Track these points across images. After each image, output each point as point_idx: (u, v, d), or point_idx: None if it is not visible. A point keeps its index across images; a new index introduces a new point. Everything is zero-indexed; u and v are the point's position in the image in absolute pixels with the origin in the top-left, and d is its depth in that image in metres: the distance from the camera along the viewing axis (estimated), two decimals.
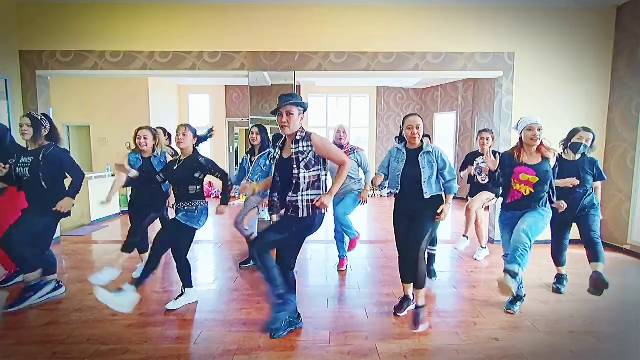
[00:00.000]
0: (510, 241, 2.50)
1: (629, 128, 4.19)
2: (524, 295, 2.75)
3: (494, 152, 3.57)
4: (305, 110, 2.20)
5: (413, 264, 2.41)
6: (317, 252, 4.26)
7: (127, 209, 6.61)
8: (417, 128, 2.41)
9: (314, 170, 2.13)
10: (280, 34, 4.37)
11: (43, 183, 2.64)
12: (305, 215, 2.11)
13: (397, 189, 2.51)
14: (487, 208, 4.17)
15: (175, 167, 2.62)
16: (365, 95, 9.24)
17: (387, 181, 2.62)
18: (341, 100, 9.39)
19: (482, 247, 3.96)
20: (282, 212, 2.21)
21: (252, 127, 3.55)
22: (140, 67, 4.37)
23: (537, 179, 2.47)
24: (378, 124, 9.31)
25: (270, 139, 3.64)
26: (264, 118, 4.53)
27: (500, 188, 2.66)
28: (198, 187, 2.61)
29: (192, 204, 2.57)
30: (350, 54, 4.39)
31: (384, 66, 4.40)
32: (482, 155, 3.72)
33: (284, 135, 2.23)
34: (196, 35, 4.37)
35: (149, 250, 2.64)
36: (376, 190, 2.90)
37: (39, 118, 2.69)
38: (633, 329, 2.43)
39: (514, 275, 2.30)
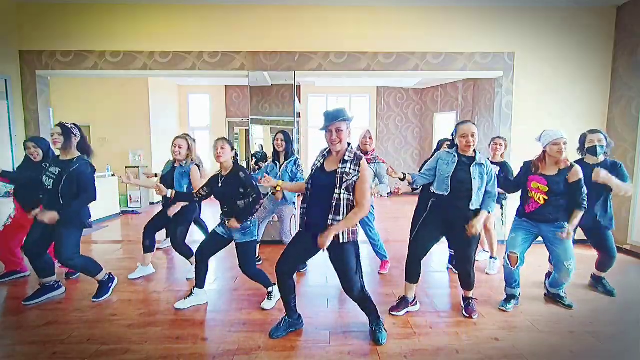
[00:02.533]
0: (556, 275, 2.67)
1: (629, 128, 4.19)
2: (520, 295, 2.76)
3: (504, 163, 3.53)
4: (350, 122, 2.08)
5: (467, 268, 2.54)
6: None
7: (127, 209, 6.71)
8: (472, 136, 2.36)
9: (353, 195, 2.05)
10: (280, 34, 4.37)
11: (61, 200, 2.58)
12: (345, 240, 2.05)
13: (447, 192, 2.43)
14: None
15: (219, 184, 2.55)
16: (365, 95, 9.24)
17: (417, 181, 2.60)
18: (341, 100, 9.38)
19: (494, 258, 3.58)
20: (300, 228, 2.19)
21: (277, 134, 3.45)
22: (140, 67, 4.37)
23: (547, 188, 2.50)
24: (378, 124, 9.31)
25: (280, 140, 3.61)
26: (264, 118, 4.53)
27: (507, 194, 2.74)
28: (247, 200, 2.50)
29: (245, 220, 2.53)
30: (350, 54, 4.39)
31: (384, 66, 4.39)
32: (493, 162, 3.61)
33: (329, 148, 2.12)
34: (196, 35, 4.36)
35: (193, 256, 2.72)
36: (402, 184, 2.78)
37: (69, 127, 2.69)
38: (633, 329, 2.43)
39: (560, 298, 2.76)
